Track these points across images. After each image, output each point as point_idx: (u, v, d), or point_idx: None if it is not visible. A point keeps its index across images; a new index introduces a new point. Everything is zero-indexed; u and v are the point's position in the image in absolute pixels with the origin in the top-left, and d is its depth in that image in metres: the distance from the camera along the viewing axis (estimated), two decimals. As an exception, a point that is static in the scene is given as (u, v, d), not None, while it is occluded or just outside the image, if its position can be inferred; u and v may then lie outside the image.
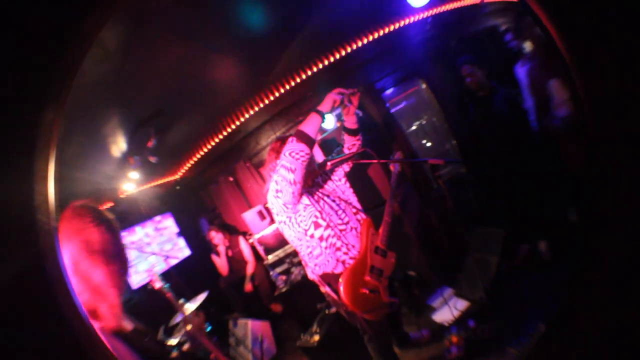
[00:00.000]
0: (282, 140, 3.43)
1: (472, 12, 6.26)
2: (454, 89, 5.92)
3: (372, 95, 6.26)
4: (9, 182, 1.36)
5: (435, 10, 5.85)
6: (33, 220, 1.35)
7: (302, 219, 3.24)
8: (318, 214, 3.27)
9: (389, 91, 6.61)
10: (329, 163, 3.42)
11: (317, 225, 3.25)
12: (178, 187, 7.88)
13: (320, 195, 3.40)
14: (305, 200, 3.26)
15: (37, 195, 1.39)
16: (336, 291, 3.26)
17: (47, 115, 1.44)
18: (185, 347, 4.87)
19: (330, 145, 5.98)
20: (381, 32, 5.66)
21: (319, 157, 3.30)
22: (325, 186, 3.53)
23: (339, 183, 3.66)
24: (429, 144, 6.58)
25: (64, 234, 1.64)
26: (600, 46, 1.43)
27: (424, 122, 6.59)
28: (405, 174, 5.73)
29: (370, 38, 5.63)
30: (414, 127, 6.70)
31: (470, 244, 4.83)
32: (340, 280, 3.22)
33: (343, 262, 3.28)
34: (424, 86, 6.50)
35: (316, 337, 4.72)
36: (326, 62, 5.71)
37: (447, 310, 4.35)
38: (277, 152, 3.40)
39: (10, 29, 1.38)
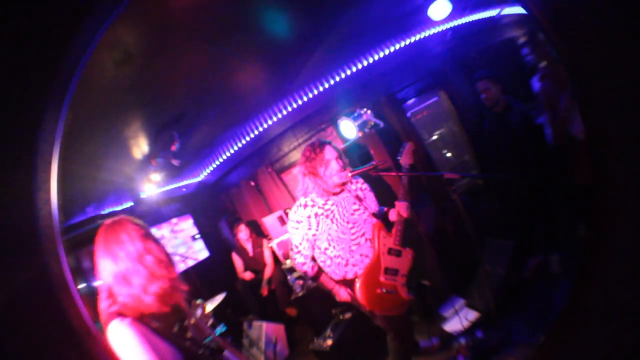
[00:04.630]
0: (313, 147, 3.55)
1: (490, 24, 6.30)
2: (473, 101, 5.94)
3: (393, 105, 6.30)
4: (10, 186, 1.36)
5: (454, 23, 5.91)
6: (35, 226, 1.36)
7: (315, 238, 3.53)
8: (329, 238, 3.48)
9: (410, 101, 6.63)
10: (349, 174, 3.47)
11: (328, 244, 3.50)
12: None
13: (333, 213, 3.51)
14: (314, 222, 3.47)
15: (39, 201, 1.39)
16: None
17: (48, 120, 1.45)
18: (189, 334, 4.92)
19: (350, 155, 6.01)
20: (402, 44, 5.71)
21: (338, 168, 3.38)
22: (340, 199, 3.59)
23: (358, 192, 3.72)
24: (449, 154, 6.59)
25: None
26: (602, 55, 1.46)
27: (444, 132, 6.60)
28: (422, 183, 5.77)
29: (392, 49, 5.68)
30: (434, 137, 6.72)
31: (482, 256, 4.85)
32: (356, 283, 3.38)
33: (355, 272, 3.47)
34: (444, 97, 6.52)
35: (329, 342, 4.77)
36: (348, 72, 5.77)
37: (458, 320, 4.39)
38: (306, 157, 3.56)
39: (12, 27, 1.38)
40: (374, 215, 3.67)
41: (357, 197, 3.63)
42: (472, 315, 4.40)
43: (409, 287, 3.56)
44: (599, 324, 1.56)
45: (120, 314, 2.01)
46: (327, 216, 3.47)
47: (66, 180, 4.44)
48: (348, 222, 3.50)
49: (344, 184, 3.53)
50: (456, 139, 6.53)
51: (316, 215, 3.46)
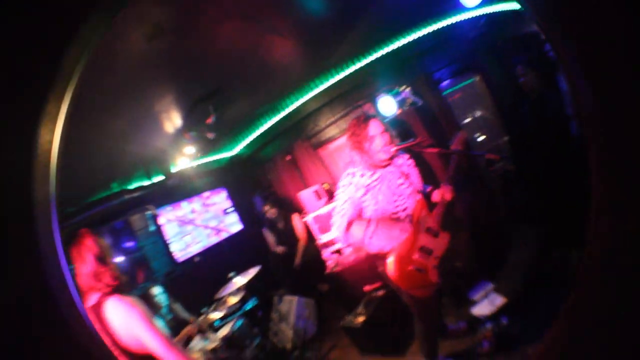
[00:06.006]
0: (357, 122, 3.57)
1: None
2: (508, 86, 5.85)
3: (430, 85, 6.27)
4: (8, 181, 1.36)
5: (487, 10, 5.85)
6: (32, 221, 1.37)
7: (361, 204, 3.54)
8: (373, 209, 3.50)
9: (445, 82, 6.57)
10: (393, 149, 3.49)
11: (371, 216, 3.50)
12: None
13: (379, 186, 3.52)
14: (361, 192, 3.49)
15: (38, 194, 1.39)
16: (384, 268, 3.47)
17: (46, 122, 1.43)
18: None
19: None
20: (438, 25, 5.69)
21: (383, 143, 3.41)
22: (387, 173, 3.60)
23: (404, 168, 3.73)
24: (481, 138, 6.48)
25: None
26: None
27: (477, 115, 6.49)
28: (462, 165, 5.72)
29: (429, 30, 5.66)
30: (467, 120, 6.61)
31: (513, 242, 4.80)
32: (389, 256, 3.41)
33: (392, 245, 3.46)
34: (479, 80, 6.41)
35: (361, 319, 4.79)
36: (386, 50, 5.74)
37: (485, 305, 4.36)
38: (351, 132, 3.60)
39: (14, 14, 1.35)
40: (418, 192, 3.68)
41: (403, 173, 3.66)
42: (499, 300, 4.35)
43: (440, 270, 3.52)
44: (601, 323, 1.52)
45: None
46: (373, 187, 3.49)
47: (94, 155, 4.54)
48: (393, 195, 3.53)
49: (390, 158, 3.54)
50: (490, 122, 6.41)
51: (363, 185, 3.49)
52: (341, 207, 3.52)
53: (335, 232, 3.59)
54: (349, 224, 3.48)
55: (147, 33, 3.01)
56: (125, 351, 2.36)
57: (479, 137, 6.42)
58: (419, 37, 5.69)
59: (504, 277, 4.62)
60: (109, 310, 2.38)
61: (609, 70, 1.37)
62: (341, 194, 3.54)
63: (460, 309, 4.59)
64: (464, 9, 5.13)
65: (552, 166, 4.72)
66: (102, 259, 2.54)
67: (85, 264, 2.49)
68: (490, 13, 5.98)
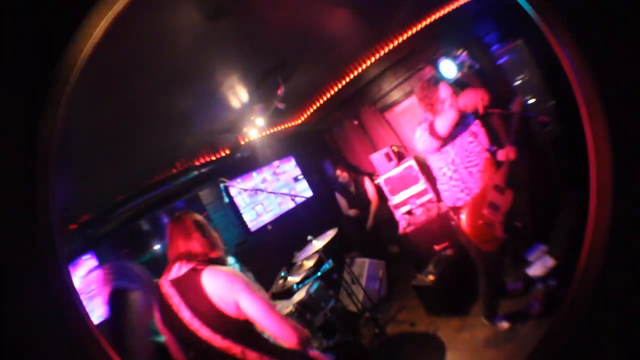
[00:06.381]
0: (428, 86, 3.85)
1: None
2: (549, 52, 5.72)
3: (482, 48, 6.37)
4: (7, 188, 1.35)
5: None
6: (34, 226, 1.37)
7: (437, 160, 3.89)
8: (449, 163, 3.82)
9: (494, 46, 6.55)
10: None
11: (447, 169, 3.84)
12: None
13: (453, 143, 3.79)
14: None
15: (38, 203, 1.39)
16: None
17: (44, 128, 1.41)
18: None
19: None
20: None
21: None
22: (459, 131, 3.81)
23: (473, 128, 3.93)
24: (532, 101, 6.36)
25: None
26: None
27: (526, 78, 6.36)
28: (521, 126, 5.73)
29: None
30: (518, 82, 6.51)
31: (563, 205, 4.80)
32: (463, 210, 3.72)
33: (464, 199, 3.79)
34: (523, 44, 6.29)
35: (431, 277, 4.92)
36: (439, 14, 5.86)
37: (539, 266, 4.42)
38: (421, 97, 3.93)
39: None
40: (486, 150, 3.89)
41: (472, 132, 3.86)
42: (550, 262, 4.38)
43: (505, 226, 3.67)
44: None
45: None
46: (447, 144, 3.75)
47: (158, 135, 4.71)
48: (465, 151, 3.78)
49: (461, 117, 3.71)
50: (538, 85, 6.28)
51: (438, 139, 3.68)
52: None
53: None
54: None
55: (209, 13, 3.07)
56: (218, 321, 2.38)
57: (529, 99, 6.32)
58: (465, 3, 5.72)
59: (556, 239, 4.64)
60: (207, 279, 2.40)
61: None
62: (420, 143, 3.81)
63: (517, 269, 4.66)
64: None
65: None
66: (206, 236, 2.66)
67: (190, 241, 2.58)
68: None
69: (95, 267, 5.46)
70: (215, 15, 3.12)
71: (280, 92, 4.99)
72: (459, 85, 5.11)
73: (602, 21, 1.39)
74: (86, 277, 5.24)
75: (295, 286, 5.28)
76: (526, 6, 1.56)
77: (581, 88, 1.49)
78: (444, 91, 3.71)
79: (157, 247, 6.52)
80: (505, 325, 4.12)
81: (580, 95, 1.52)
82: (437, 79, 3.79)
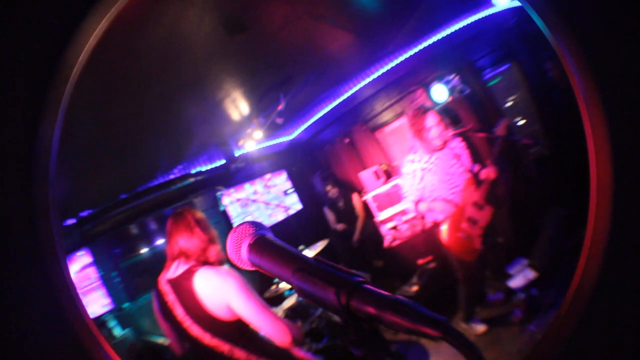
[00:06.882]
0: (417, 114, 4.22)
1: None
2: (541, 75, 6.18)
3: (474, 72, 6.62)
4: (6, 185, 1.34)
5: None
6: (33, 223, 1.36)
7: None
8: (431, 186, 4.25)
9: (486, 70, 6.83)
10: (448, 135, 4.20)
11: (430, 192, 4.27)
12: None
13: (435, 167, 4.22)
14: (419, 175, 4.24)
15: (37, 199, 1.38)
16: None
17: (44, 124, 1.40)
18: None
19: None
20: (477, 17, 5.98)
21: (439, 132, 4.07)
22: (442, 155, 4.26)
23: (456, 150, 4.34)
24: (521, 122, 6.66)
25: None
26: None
27: (516, 100, 6.67)
28: (505, 148, 6.01)
29: (469, 21, 5.97)
30: (508, 104, 6.81)
31: (544, 220, 5.14)
32: (442, 224, 4.15)
33: (444, 216, 4.19)
34: (515, 68, 6.58)
35: (415, 287, 5.17)
36: (435, 39, 6.12)
37: (520, 278, 4.69)
38: (411, 124, 4.30)
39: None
40: (468, 171, 4.28)
41: (455, 154, 4.26)
42: (532, 274, 4.66)
43: (484, 240, 4.07)
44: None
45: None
46: (429, 170, 4.18)
47: (157, 141, 4.87)
48: (447, 174, 4.18)
49: (444, 143, 4.19)
50: (527, 108, 6.60)
51: (422, 169, 4.18)
52: (408, 191, 4.28)
53: (407, 206, 4.40)
54: (417, 203, 4.24)
55: (230, 27, 3.26)
56: (208, 321, 2.48)
57: (518, 121, 6.64)
58: (460, 28, 5.99)
59: (537, 253, 4.93)
60: (199, 281, 2.48)
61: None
62: (407, 179, 4.28)
63: (499, 282, 5.01)
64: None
65: (581, 152, 4.92)
66: (207, 232, 2.71)
67: (191, 237, 2.63)
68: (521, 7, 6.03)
69: (90, 264, 5.60)
70: (235, 29, 3.34)
71: (281, 107, 5.24)
72: (447, 113, 5.46)
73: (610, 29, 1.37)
74: (79, 273, 5.40)
75: (287, 292, 5.41)
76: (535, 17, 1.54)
77: (582, 91, 1.47)
78: (430, 120, 4.09)
79: (144, 250, 6.63)
80: (480, 328, 4.53)
81: (580, 95, 1.50)
82: (425, 109, 4.17)
